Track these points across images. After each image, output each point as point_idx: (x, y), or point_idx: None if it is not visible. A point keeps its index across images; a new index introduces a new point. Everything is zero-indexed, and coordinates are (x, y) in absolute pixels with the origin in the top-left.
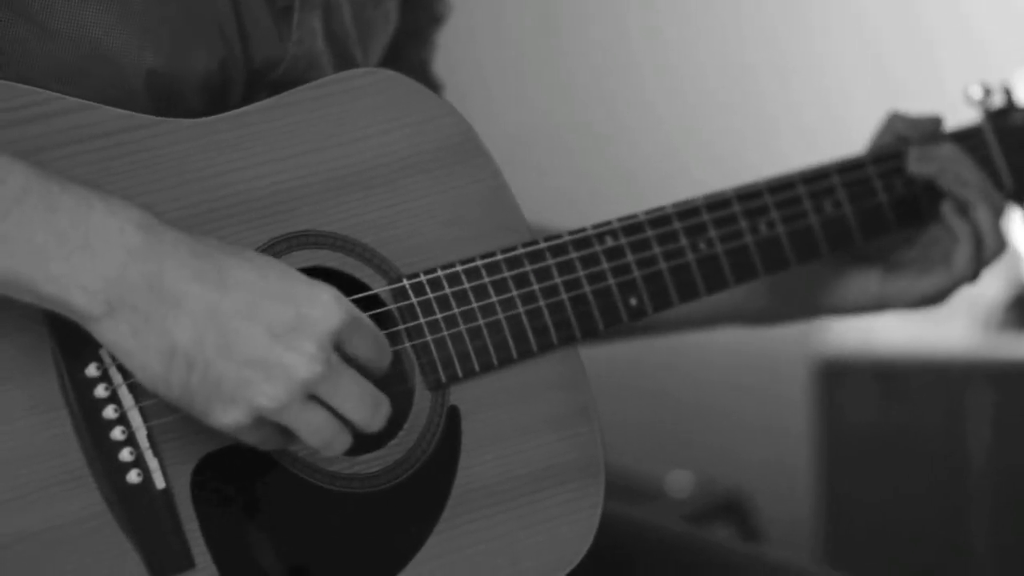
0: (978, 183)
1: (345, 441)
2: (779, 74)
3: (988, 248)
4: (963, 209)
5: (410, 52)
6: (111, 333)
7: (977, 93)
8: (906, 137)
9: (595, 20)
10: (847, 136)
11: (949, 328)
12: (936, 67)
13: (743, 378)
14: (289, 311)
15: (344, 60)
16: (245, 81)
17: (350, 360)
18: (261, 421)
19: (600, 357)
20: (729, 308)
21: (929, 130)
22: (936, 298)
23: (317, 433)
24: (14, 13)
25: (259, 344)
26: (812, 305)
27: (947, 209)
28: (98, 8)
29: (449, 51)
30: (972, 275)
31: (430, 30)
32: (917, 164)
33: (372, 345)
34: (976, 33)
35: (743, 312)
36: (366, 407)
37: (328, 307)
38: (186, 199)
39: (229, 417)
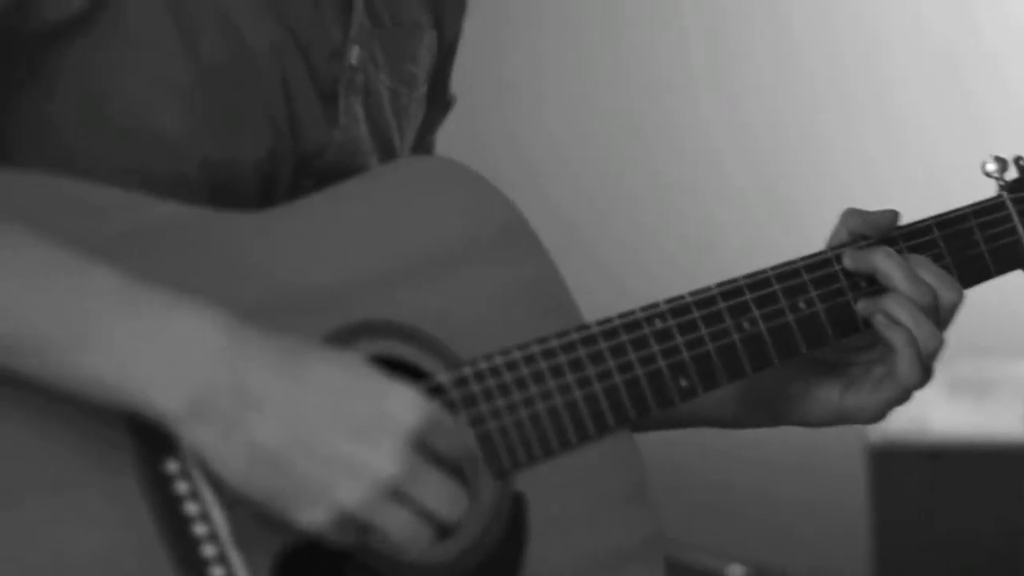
0: (905, 284)
1: (427, 537)
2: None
3: (925, 349)
4: (890, 317)
5: (424, 139)
6: (195, 434)
7: (991, 166)
8: (862, 234)
9: (646, 92)
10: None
11: (1003, 412)
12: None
13: (798, 463)
14: (371, 408)
15: (384, 145)
16: (293, 168)
17: (433, 457)
18: (343, 519)
19: (653, 443)
20: (706, 412)
21: (884, 225)
22: (893, 406)
23: (400, 531)
24: (87, 110)
25: (341, 442)
26: (777, 415)
27: (878, 319)
28: (165, 98)
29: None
30: (919, 379)
31: (439, 119)
32: (852, 262)
33: (455, 443)
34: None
35: (719, 418)
36: (449, 503)
37: (410, 405)
38: (243, 294)
39: (313, 516)
